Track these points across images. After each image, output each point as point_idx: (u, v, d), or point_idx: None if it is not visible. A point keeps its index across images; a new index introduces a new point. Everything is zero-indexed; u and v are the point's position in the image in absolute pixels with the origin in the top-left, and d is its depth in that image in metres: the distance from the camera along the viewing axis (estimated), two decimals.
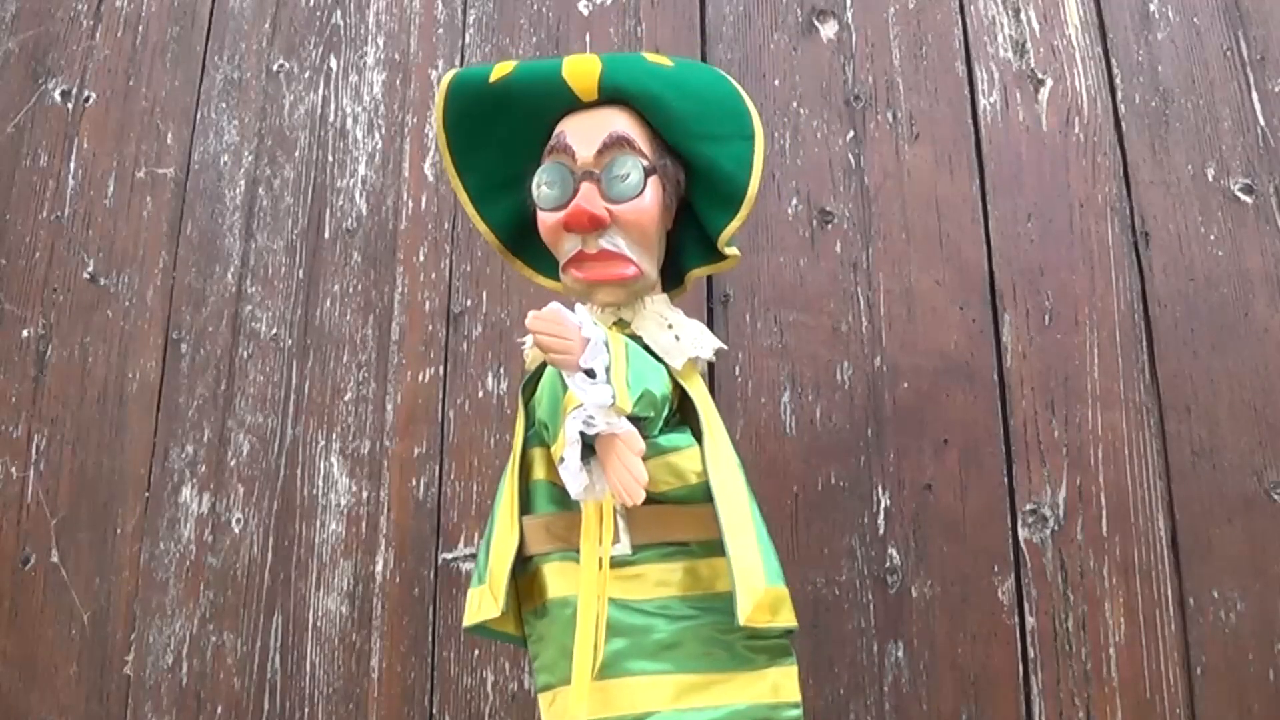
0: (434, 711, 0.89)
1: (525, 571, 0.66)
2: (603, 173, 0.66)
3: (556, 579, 0.64)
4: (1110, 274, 0.93)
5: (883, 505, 0.89)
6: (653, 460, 0.63)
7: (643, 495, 0.57)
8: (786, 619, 0.62)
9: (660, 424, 0.64)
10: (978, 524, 0.88)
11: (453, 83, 0.71)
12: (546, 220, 0.67)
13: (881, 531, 0.88)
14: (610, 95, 0.68)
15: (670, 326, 0.68)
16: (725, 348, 0.69)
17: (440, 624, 0.91)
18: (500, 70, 0.69)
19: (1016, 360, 0.91)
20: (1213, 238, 0.93)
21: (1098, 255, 0.93)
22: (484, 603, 0.64)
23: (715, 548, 0.64)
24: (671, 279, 0.73)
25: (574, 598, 0.62)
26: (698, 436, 0.65)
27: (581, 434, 0.57)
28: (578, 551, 0.62)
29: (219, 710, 0.92)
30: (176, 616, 0.94)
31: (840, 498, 0.89)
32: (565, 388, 0.60)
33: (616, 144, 0.66)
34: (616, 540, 0.62)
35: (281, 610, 0.93)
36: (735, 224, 0.68)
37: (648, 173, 0.66)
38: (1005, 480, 0.88)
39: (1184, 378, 0.89)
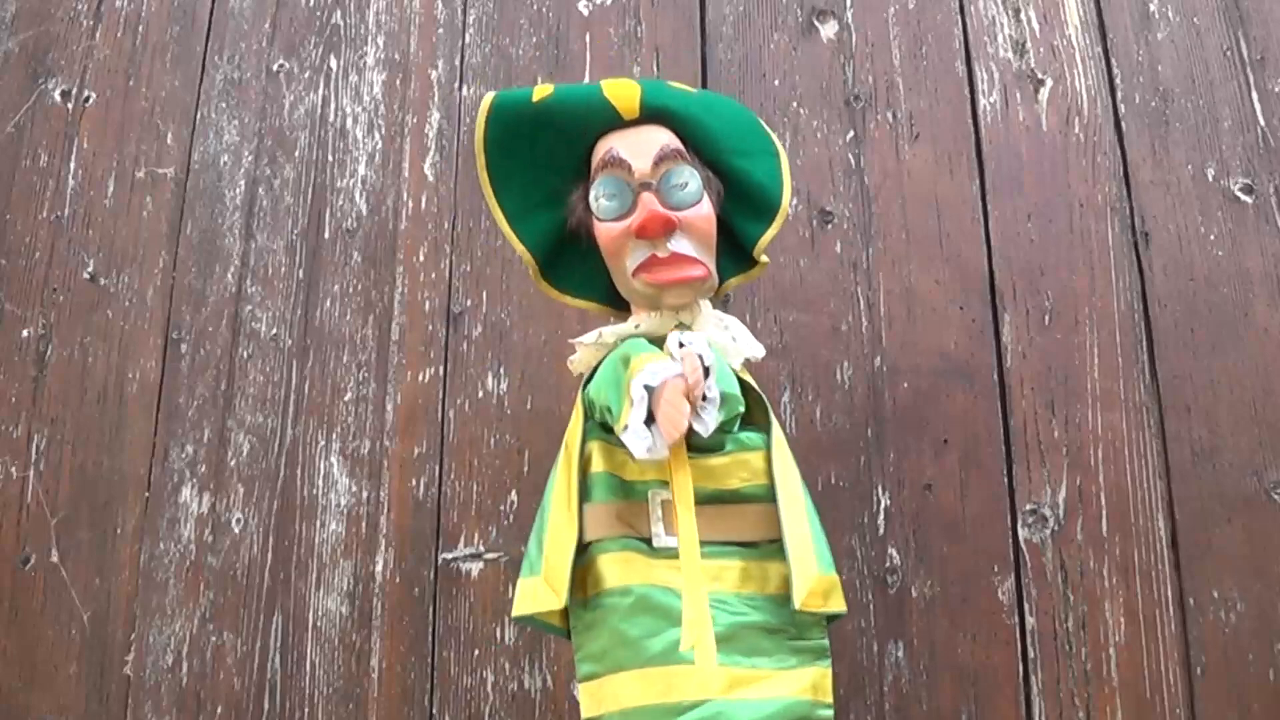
0: (434, 711, 0.89)
1: (578, 564, 0.66)
2: (660, 183, 0.69)
3: (616, 568, 0.65)
4: (1110, 274, 0.93)
5: (883, 505, 0.89)
6: (733, 456, 0.68)
7: (683, 428, 0.60)
8: (837, 604, 0.65)
9: (738, 422, 0.67)
10: (978, 524, 0.88)
11: (495, 103, 0.72)
12: (610, 231, 0.69)
13: (881, 531, 0.88)
14: (650, 114, 0.71)
15: (726, 328, 0.71)
16: (765, 352, 0.73)
17: (440, 624, 0.91)
18: (541, 91, 0.72)
19: (1016, 360, 0.91)
20: (1213, 238, 0.93)
21: (1098, 255, 0.93)
22: (540, 594, 0.65)
23: (767, 550, 0.67)
24: None
25: (635, 586, 0.64)
26: (764, 433, 0.69)
27: (646, 387, 0.61)
28: (642, 540, 0.65)
29: (219, 710, 0.92)
30: (176, 616, 0.94)
31: (840, 498, 0.89)
32: (624, 369, 0.63)
33: (670, 157, 0.69)
34: (674, 533, 0.65)
35: (281, 610, 0.93)
36: (771, 233, 0.72)
37: (703, 182, 0.70)
38: (1005, 480, 0.89)
39: (1184, 378, 0.89)
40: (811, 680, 0.64)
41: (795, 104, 1.00)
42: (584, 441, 0.69)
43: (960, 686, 0.84)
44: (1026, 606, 0.86)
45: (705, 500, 0.66)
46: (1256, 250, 0.92)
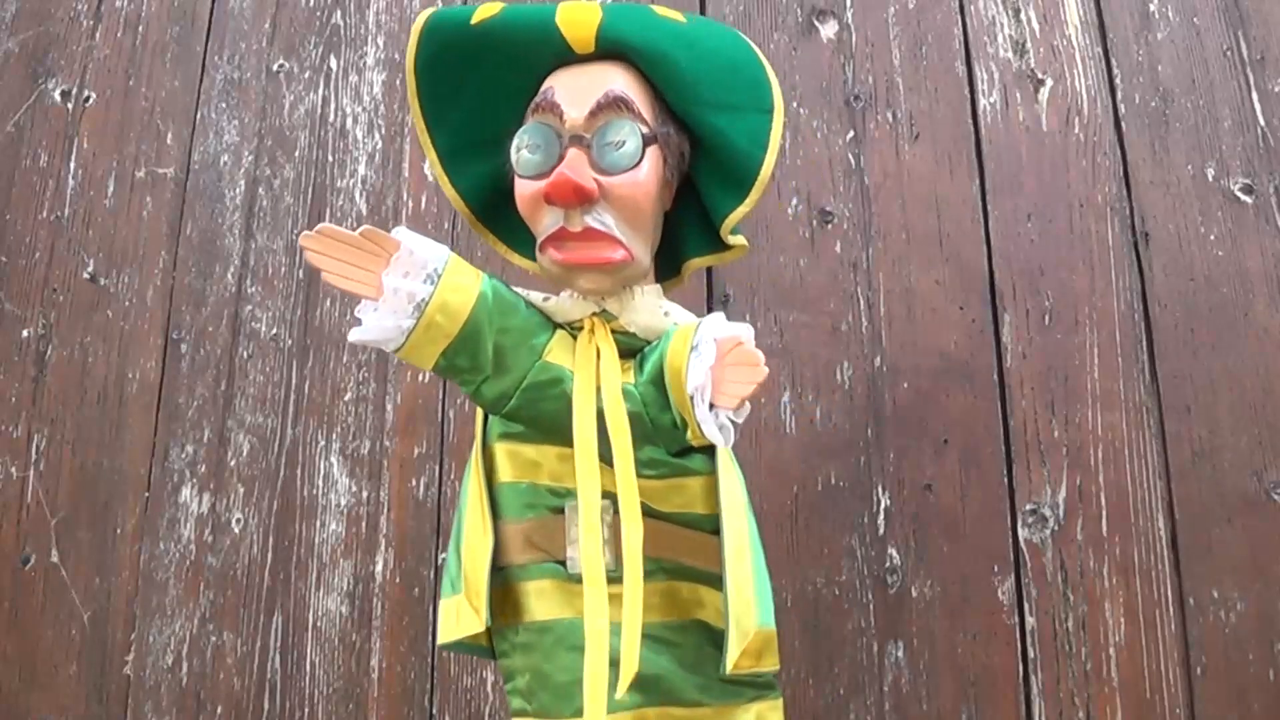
0: (434, 711, 0.89)
1: (498, 583, 0.59)
2: (594, 138, 0.57)
3: (533, 600, 0.58)
4: (1110, 274, 0.93)
5: (883, 505, 0.89)
6: (671, 480, 0.60)
7: (764, 368, 0.53)
8: (770, 663, 0.57)
9: (682, 441, 0.59)
10: (978, 524, 0.88)
11: (428, 22, 0.62)
12: (525, 190, 0.59)
13: (881, 531, 0.88)
14: (609, 48, 0.60)
15: (667, 314, 0.61)
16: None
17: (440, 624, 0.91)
18: (484, 11, 0.61)
19: (1016, 360, 0.91)
20: (1213, 238, 0.93)
21: (1098, 255, 0.93)
22: (463, 616, 0.58)
23: (699, 574, 0.60)
24: (667, 268, 0.66)
25: (555, 622, 0.57)
26: (709, 456, 0.60)
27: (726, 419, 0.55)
28: (558, 563, 0.58)
29: (219, 710, 0.92)
30: (176, 616, 0.94)
31: (840, 498, 0.89)
32: (655, 369, 0.57)
33: (612, 105, 0.58)
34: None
35: (281, 610, 0.93)
36: (742, 210, 0.60)
37: (646, 141, 0.58)
38: (1005, 480, 0.88)
39: (1184, 378, 0.89)
40: (755, 716, 0.59)
41: (795, 104, 1.00)
42: (487, 444, 0.61)
43: (960, 686, 0.84)
44: (1026, 606, 0.86)
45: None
46: (1256, 250, 0.92)
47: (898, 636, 0.86)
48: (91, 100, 1.12)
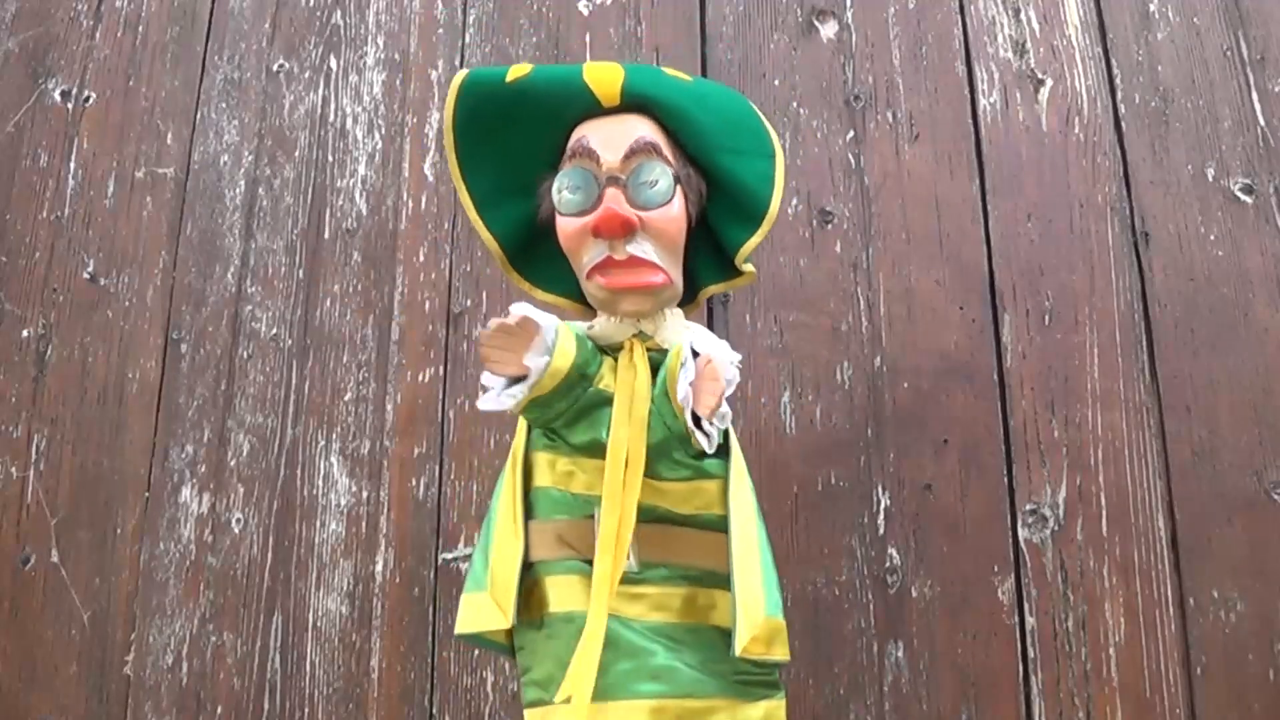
0: (434, 711, 0.89)
1: (523, 582, 0.64)
2: (629, 178, 0.64)
3: (561, 592, 0.63)
4: (1110, 274, 0.93)
5: (883, 505, 0.89)
6: (692, 483, 0.65)
7: (724, 382, 0.60)
8: (780, 652, 0.61)
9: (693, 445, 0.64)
10: (978, 524, 0.88)
11: (466, 81, 0.68)
12: (569, 226, 0.65)
13: (881, 531, 0.88)
14: (632, 102, 0.66)
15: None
16: (741, 359, 0.69)
17: (440, 624, 0.91)
18: (517, 71, 0.67)
19: (1016, 360, 0.91)
20: (1213, 238, 0.93)
21: (1098, 255, 0.93)
22: (486, 611, 0.63)
23: (715, 579, 0.64)
24: (685, 296, 0.72)
25: (579, 613, 0.61)
26: (724, 459, 0.66)
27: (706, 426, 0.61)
28: (586, 562, 0.62)
29: (219, 710, 0.92)
30: (176, 616, 0.94)
31: (840, 498, 0.89)
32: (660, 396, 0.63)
33: (644, 150, 0.64)
34: (626, 556, 0.62)
35: (281, 610, 0.93)
36: (755, 240, 0.67)
37: (676, 180, 0.65)
38: (1005, 480, 0.89)
39: (1184, 378, 0.89)
40: (764, 713, 0.63)
41: (795, 104, 1.00)
42: (527, 452, 0.66)
43: (960, 686, 0.84)
44: (1026, 606, 0.86)
45: (652, 520, 0.64)
46: (1256, 250, 0.92)
47: (898, 636, 0.86)
48: (91, 100, 1.12)
